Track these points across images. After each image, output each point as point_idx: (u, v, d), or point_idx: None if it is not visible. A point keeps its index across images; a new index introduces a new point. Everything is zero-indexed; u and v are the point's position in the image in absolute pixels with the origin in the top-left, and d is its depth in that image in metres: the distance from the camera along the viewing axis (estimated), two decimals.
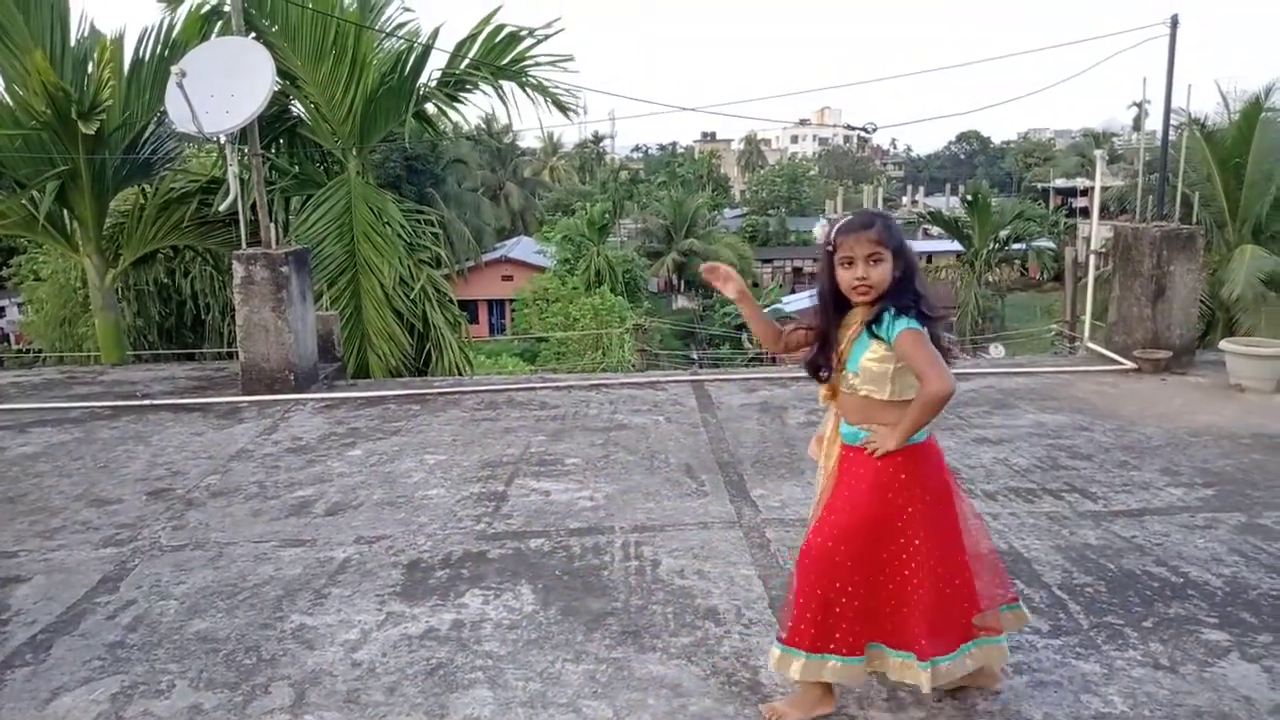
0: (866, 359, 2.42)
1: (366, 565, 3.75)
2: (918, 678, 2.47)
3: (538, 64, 9.27)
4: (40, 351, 13.54)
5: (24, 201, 8.77)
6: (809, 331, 2.57)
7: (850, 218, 2.43)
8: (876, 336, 2.39)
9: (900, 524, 2.46)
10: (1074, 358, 8.79)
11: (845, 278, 2.39)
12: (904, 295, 2.40)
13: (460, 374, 9.68)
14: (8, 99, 8.69)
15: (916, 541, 2.47)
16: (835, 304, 2.48)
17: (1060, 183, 57.73)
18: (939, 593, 2.47)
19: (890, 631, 2.51)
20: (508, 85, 9.33)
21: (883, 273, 2.37)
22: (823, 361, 2.52)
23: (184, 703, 2.79)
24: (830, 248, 2.41)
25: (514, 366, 25.51)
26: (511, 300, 35.10)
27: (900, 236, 2.41)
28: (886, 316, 2.38)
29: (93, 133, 8.16)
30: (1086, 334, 8.64)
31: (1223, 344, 6.45)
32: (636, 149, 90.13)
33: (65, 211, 9.07)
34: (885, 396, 2.43)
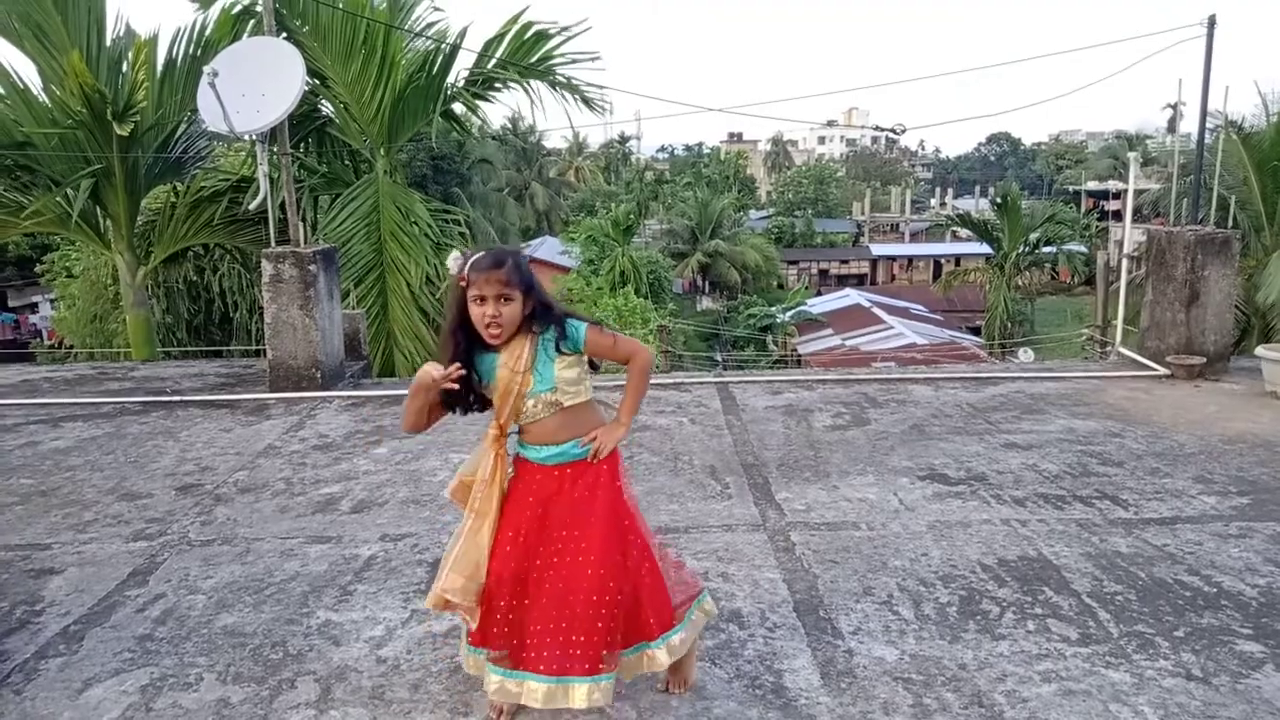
0: (560, 372, 2.48)
1: (392, 563, 3.77)
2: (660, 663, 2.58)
3: (567, 62, 9.31)
4: (72, 347, 13.76)
5: (59, 199, 8.92)
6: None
7: (482, 255, 2.43)
8: (565, 352, 2.47)
9: (633, 513, 2.67)
10: (1105, 363, 8.67)
11: (477, 314, 2.42)
12: (553, 315, 2.48)
13: None
14: (45, 98, 8.85)
15: (639, 527, 2.66)
16: (468, 336, 2.47)
17: (1092, 185, 57.13)
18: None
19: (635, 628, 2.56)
20: (535, 84, 9.37)
21: (513, 311, 2.41)
22: (469, 398, 2.58)
23: (212, 696, 2.82)
24: (464, 283, 2.43)
25: None
26: None
27: (530, 275, 2.47)
28: (568, 329, 2.47)
29: (127, 133, 8.29)
30: (1118, 339, 8.54)
31: (1259, 350, 6.35)
32: (662, 149, 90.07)
33: (98, 209, 9.22)
34: (587, 396, 2.55)
